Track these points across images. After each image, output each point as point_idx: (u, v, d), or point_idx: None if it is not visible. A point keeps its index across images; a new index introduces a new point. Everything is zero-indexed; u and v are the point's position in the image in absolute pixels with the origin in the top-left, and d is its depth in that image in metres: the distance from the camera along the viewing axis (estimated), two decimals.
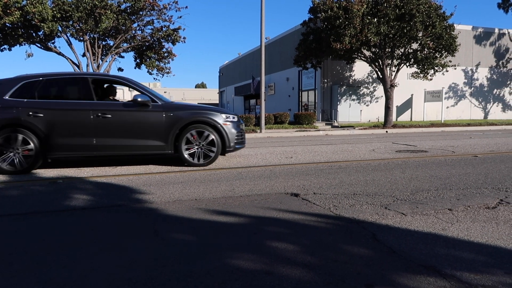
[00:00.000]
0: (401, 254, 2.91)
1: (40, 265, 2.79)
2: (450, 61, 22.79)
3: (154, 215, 4.11)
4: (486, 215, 3.94)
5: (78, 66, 18.50)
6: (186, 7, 19.87)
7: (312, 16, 22.59)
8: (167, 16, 19.59)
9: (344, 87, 27.49)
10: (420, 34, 20.81)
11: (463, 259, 2.81)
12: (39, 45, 18.32)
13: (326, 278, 2.51)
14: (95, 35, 18.33)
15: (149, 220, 3.92)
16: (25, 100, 6.65)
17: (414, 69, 23.43)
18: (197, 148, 7.04)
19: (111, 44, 19.79)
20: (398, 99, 27.30)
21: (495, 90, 32.34)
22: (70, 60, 18.56)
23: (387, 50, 21.61)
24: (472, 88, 31.56)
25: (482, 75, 31.72)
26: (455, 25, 21.96)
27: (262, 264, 2.75)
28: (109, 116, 6.78)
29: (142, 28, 20.18)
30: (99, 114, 6.75)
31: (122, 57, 21.51)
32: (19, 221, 3.97)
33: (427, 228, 3.52)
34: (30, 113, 6.55)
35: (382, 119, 25.44)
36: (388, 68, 22.40)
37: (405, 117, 29.37)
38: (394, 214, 3.97)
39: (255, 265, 2.74)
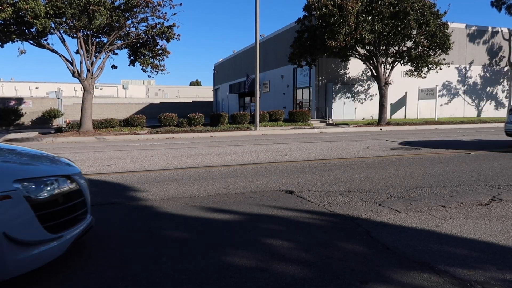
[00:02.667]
0: (395, 250, 2.93)
1: None
2: (444, 59, 22.89)
3: (149, 212, 4.10)
4: (479, 211, 3.97)
5: (71, 63, 18.37)
6: (181, 4, 19.79)
7: (307, 14, 22.56)
8: (161, 13, 19.45)
9: (338, 85, 27.52)
10: (414, 32, 20.86)
11: (456, 255, 2.84)
12: (32, 42, 18.13)
13: (320, 275, 2.51)
14: (88, 32, 18.18)
15: (144, 217, 3.91)
16: None
17: (408, 67, 23.49)
18: None
19: (105, 41, 19.64)
20: (392, 96, 27.35)
21: (488, 88, 32.55)
22: (64, 57, 18.41)
23: (381, 48, 21.66)
24: (466, 86, 31.73)
25: (475, 73, 31.90)
26: (448, 23, 22.05)
27: (257, 261, 2.76)
28: None
29: (136, 25, 20.03)
30: None
31: (116, 54, 21.35)
32: None
33: (421, 224, 3.54)
34: None
35: (376, 117, 25.53)
36: (382, 66, 22.45)
37: (399, 114, 29.46)
38: (388, 211, 3.99)
39: (250, 262, 2.74)
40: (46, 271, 2.56)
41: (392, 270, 2.58)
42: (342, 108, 27.49)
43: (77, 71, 18.41)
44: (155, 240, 3.23)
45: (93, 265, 2.74)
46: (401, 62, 22.58)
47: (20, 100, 30.04)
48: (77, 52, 18.68)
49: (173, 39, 20.09)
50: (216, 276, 2.50)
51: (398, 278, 2.47)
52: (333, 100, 27.24)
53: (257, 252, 2.91)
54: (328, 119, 26.26)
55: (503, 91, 33.16)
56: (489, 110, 32.66)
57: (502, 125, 22.53)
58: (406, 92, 29.04)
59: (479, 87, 32.29)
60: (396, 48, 22.03)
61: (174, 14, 23.69)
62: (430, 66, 22.17)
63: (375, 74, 22.58)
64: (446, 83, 30.89)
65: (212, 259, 2.78)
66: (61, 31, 17.86)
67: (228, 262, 2.73)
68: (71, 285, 2.45)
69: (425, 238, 3.18)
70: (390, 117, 28.09)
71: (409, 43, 22.07)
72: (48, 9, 15.73)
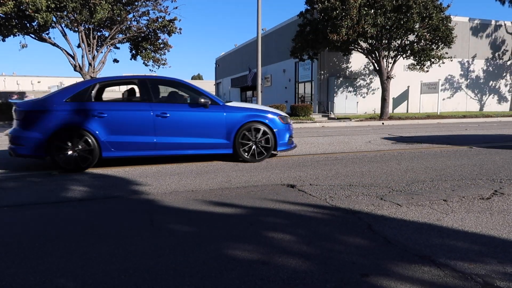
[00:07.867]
0: (396, 244, 2.94)
1: (37, 255, 2.79)
2: (447, 53, 22.76)
3: (151, 206, 4.12)
4: (480, 205, 3.97)
5: (73, 57, 18.35)
6: None
7: (309, 7, 22.45)
8: (163, 6, 19.42)
9: (340, 79, 27.44)
10: (417, 26, 20.72)
11: (457, 248, 2.84)
12: (33, 35, 18.12)
13: (321, 268, 2.53)
14: (90, 26, 18.15)
15: (146, 211, 3.92)
16: None
17: (410, 60, 23.36)
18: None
19: (106, 35, 19.62)
20: (394, 91, 27.26)
21: (491, 82, 32.38)
22: (65, 51, 18.40)
23: (383, 41, 21.55)
24: (468, 80, 31.59)
25: (478, 67, 31.73)
26: (451, 16, 21.88)
27: (259, 254, 2.77)
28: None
29: (138, 19, 20.01)
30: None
31: (118, 48, 21.35)
32: (16, 213, 3.97)
33: (422, 218, 3.55)
34: None
35: (378, 111, 25.48)
36: (384, 60, 22.35)
37: (401, 109, 29.38)
38: (390, 205, 4.00)
39: (252, 255, 2.75)
40: None
41: (393, 263, 2.59)
42: (344, 102, 27.42)
43: (79, 65, 18.40)
44: (157, 233, 3.24)
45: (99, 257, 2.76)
46: (404, 56, 22.47)
47: (22, 94, 30.12)
48: (79, 46, 18.66)
49: (175, 33, 20.04)
50: (217, 269, 2.52)
51: (399, 271, 2.48)
52: (335, 94, 27.18)
53: (259, 245, 2.93)
54: (330, 113, 26.21)
55: (506, 85, 32.99)
56: (491, 104, 32.53)
57: (505, 119, 22.43)
58: (408, 86, 28.93)
59: (481, 81, 32.14)
60: (399, 41, 21.91)
61: (176, 7, 23.61)
62: (432, 60, 22.05)
63: (377, 68, 22.49)
64: (449, 77, 30.76)
65: (213, 252, 2.80)
66: (63, 25, 17.84)
67: (229, 255, 2.75)
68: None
69: (426, 232, 3.19)
70: (392, 111, 28.02)
71: (411, 37, 21.94)
72: (49, 2, 15.69)
